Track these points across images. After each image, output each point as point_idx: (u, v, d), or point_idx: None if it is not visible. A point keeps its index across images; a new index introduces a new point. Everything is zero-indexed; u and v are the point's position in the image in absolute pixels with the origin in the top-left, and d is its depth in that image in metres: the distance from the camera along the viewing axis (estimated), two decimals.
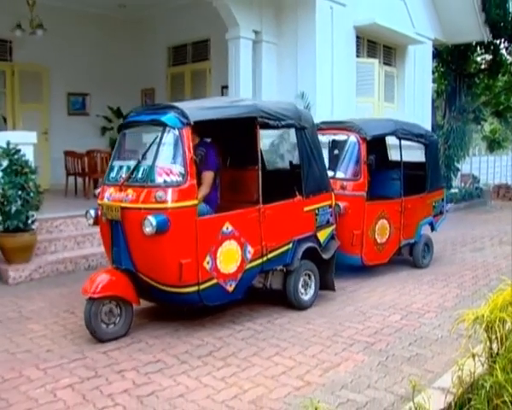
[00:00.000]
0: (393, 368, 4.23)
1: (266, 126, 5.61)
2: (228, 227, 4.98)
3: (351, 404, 3.64)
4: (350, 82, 11.26)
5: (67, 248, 7.67)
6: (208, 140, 5.77)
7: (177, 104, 5.09)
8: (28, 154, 7.11)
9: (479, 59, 18.22)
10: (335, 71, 10.70)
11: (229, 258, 5.00)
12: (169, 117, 4.87)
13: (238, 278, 5.09)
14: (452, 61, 16.72)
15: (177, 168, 4.74)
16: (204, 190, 5.29)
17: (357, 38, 11.62)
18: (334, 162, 6.93)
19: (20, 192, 6.78)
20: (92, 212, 5.28)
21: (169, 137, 4.88)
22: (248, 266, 5.17)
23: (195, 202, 4.74)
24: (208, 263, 4.82)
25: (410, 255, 7.75)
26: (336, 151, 7.27)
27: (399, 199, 7.36)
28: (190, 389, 3.87)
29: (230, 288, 5.05)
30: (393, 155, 8.38)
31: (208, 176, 5.41)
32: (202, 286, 4.82)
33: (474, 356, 3.41)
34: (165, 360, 4.39)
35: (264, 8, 10.43)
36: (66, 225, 7.98)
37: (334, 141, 7.35)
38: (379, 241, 7.06)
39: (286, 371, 4.18)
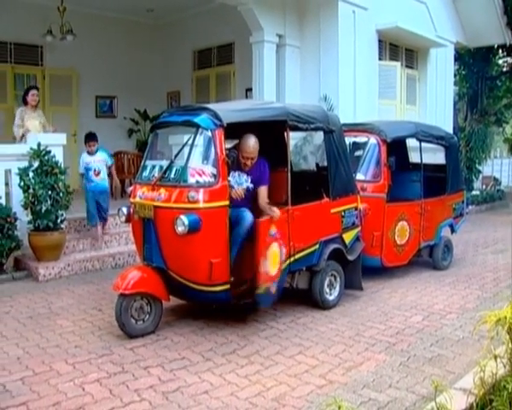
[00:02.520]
0: (415, 368, 4.25)
1: (295, 129, 5.64)
2: None
3: (372, 403, 3.67)
4: (372, 85, 11.25)
5: (95, 246, 7.81)
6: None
7: (209, 106, 5.14)
8: (58, 155, 7.31)
9: (500, 61, 18.05)
10: (358, 74, 10.71)
11: None
12: (202, 118, 4.91)
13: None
14: (474, 64, 16.60)
15: (210, 169, 4.78)
16: (264, 201, 5.39)
17: (380, 41, 11.60)
18: (355, 164, 6.92)
19: (50, 192, 6.94)
20: (124, 209, 5.34)
21: (202, 139, 4.92)
22: None
23: (227, 202, 4.78)
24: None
25: (429, 257, 7.72)
26: (357, 153, 7.31)
27: (419, 201, 7.34)
28: (214, 386, 3.91)
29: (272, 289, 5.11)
30: (414, 157, 8.39)
31: (265, 190, 5.46)
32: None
33: (496, 358, 3.42)
34: (190, 357, 4.44)
35: (287, 12, 10.50)
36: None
37: (354, 143, 7.37)
38: (399, 242, 7.05)
39: (308, 369, 4.22)
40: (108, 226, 8.15)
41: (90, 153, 7.86)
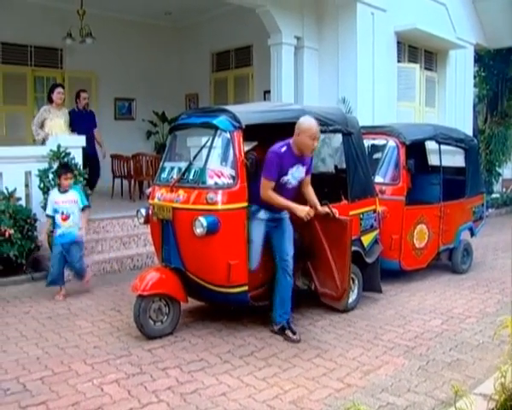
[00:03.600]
0: (434, 373, 4.23)
1: None
2: None
3: (391, 407, 3.65)
4: (391, 87, 11.20)
5: (113, 248, 7.84)
6: None
7: (228, 107, 5.15)
8: (77, 157, 7.35)
9: None
10: (376, 76, 10.65)
11: None
12: (221, 120, 4.93)
13: None
14: (494, 66, 16.41)
15: (228, 171, 4.78)
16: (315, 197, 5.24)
17: (398, 43, 11.54)
18: (374, 166, 6.89)
19: None
20: (143, 211, 5.38)
21: (220, 140, 4.93)
22: None
23: (245, 204, 4.77)
24: None
25: (448, 261, 7.67)
26: (375, 155, 7.29)
27: (438, 204, 7.30)
28: (232, 388, 3.92)
29: None
30: (433, 160, 8.33)
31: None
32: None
33: None
34: (207, 359, 4.45)
35: (305, 14, 10.49)
36: (112, 226, 8.13)
37: (373, 145, 7.36)
38: (417, 246, 7.01)
39: (326, 372, 4.21)
40: (88, 282, 6.53)
41: (63, 189, 6.36)
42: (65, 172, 6.40)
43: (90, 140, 8.97)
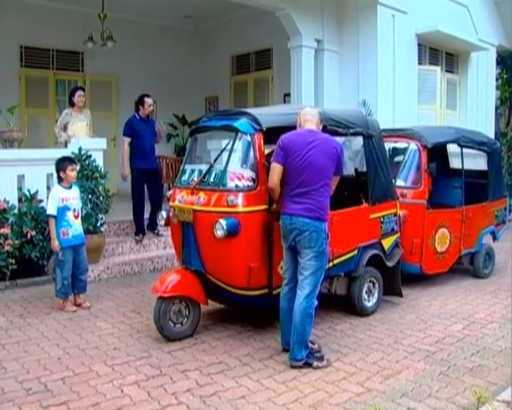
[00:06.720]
0: (455, 378, 4.18)
1: (335, 134, 5.55)
2: None
3: None
4: (412, 90, 11.12)
5: (134, 250, 7.92)
6: None
7: (248, 110, 5.17)
8: (98, 159, 7.40)
9: None
10: (397, 78, 10.59)
11: None
12: (241, 123, 4.93)
13: None
14: None
15: (249, 173, 4.77)
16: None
17: (419, 45, 11.45)
18: (395, 170, 6.86)
19: (90, 196, 7.06)
20: (164, 213, 5.40)
21: (241, 143, 4.93)
22: None
23: (266, 206, 4.76)
24: (282, 268, 4.77)
25: (470, 265, 7.60)
26: (396, 159, 7.25)
27: (460, 208, 7.24)
28: (252, 391, 3.92)
29: None
30: (454, 163, 8.27)
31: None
32: (276, 291, 4.81)
33: None
34: (227, 361, 4.46)
35: (325, 17, 10.46)
36: (132, 228, 8.20)
37: (394, 148, 7.33)
38: (439, 250, 6.96)
39: (346, 376, 4.19)
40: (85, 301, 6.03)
41: (67, 185, 5.88)
42: (70, 162, 5.92)
43: (152, 152, 8.22)
